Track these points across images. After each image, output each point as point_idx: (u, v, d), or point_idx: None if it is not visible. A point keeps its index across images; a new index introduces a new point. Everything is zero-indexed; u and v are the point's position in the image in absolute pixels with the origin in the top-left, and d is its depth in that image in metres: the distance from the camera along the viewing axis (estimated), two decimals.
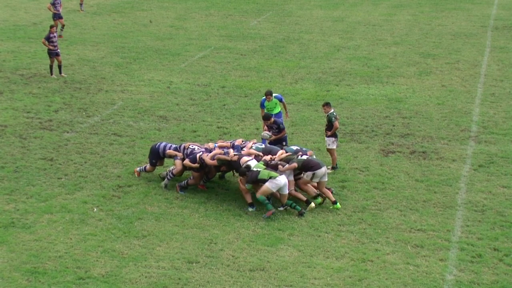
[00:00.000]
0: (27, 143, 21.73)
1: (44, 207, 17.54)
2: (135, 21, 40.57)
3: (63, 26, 35.65)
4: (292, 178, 17.80)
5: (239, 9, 45.20)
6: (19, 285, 14.27)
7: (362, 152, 21.44)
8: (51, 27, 29.16)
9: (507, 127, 23.60)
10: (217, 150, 18.32)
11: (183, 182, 18.50)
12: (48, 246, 15.67)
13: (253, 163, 17.56)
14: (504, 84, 28.64)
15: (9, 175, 19.41)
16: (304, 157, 17.92)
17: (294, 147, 18.78)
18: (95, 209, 17.48)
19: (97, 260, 15.17)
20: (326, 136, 20.00)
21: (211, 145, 18.97)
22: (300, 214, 17.19)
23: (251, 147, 18.70)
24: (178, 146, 19.08)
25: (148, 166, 19.25)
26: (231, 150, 18.19)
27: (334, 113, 19.99)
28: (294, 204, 17.39)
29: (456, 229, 16.72)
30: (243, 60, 32.12)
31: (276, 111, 21.28)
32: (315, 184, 17.89)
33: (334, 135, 19.90)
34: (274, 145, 19.49)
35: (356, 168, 20.17)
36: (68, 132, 22.78)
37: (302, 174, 17.86)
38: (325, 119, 20.23)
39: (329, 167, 19.38)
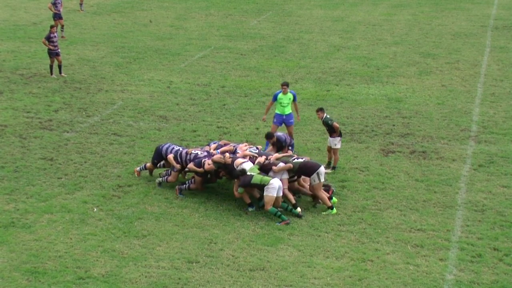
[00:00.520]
0: (27, 143, 21.73)
1: (44, 207, 17.54)
2: (135, 21, 40.57)
3: (62, 26, 35.65)
4: (286, 176, 17.61)
5: (239, 9, 45.20)
6: (19, 285, 14.27)
7: (362, 152, 21.45)
8: (51, 27, 29.16)
9: (507, 127, 23.61)
10: (218, 156, 18.01)
11: (183, 186, 18.42)
12: (48, 246, 15.67)
13: (247, 166, 17.38)
14: (504, 84, 28.64)
15: (9, 175, 19.41)
16: (301, 160, 17.75)
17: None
18: (95, 209, 17.48)
19: (97, 260, 15.16)
20: (330, 136, 19.94)
21: (213, 147, 18.72)
22: (300, 217, 17.13)
23: (246, 150, 18.47)
24: (181, 149, 18.75)
25: (148, 164, 19.22)
26: (227, 154, 17.98)
27: (328, 116, 20.04)
28: (290, 207, 17.25)
29: (456, 229, 16.72)
30: (243, 60, 32.12)
31: (287, 111, 21.02)
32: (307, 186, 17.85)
33: (339, 135, 19.91)
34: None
35: (356, 168, 20.17)
36: (68, 132, 22.78)
37: (313, 180, 17.44)
38: (322, 124, 20.19)
39: (325, 165, 19.24)
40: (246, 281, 14.47)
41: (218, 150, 18.48)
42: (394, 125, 23.76)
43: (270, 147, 19.40)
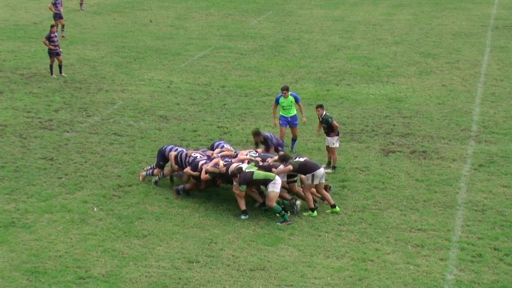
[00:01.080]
0: (27, 143, 21.73)
1: (44, 206, 17.54)
2: (135, 21, 40.57)
3: (63, 26, 35.65)
4: (284, 178, 17.52)
5: (239, 9, 45.19)
6: (19, 285, 14.27)
7: (362, 151, 21.44)
8: (52, 26, 29.17)
9: (507, 127, 23.60)
10: (217, 160, 17.75)
11: (180, 186, 18.33)
12: (48, 246, 15.67)
13: (244, 165, 17.26)
14: (504, 84, 28.63)
15: (9, 174, 19.41)
16: (301, 159, 17.65)
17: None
18: (95, 209, 17.48)
19: (97, 260, 15.16)
20: (328, 136, 19.95)
21: (216, 152, 18.40)
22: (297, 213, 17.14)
23: (246, 155, 18.23)
24: (185, 150, 18.58)
25: (156, 170, 18.88)
26: (221, 162, 17.56)
27: (328, 114, 20.10)
28: (283, 212, 16.90)
29: (456, 228, 16.72)
30: (243, 60, 32.11)
31: (292, 112, 21.00)
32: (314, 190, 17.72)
33: (336, 134, 19.94)
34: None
35: (357, 168, 20.17)
36: (68, 132, 22.78)
37: (307, 179, 17.44)
38: (321, 121, 20.10)
39: (324, 165, 19.11)
40: (246, 281, 14.47)
41: (219, 154, 18.18)
42: (394, 125, 23.75)
43: (260, 149, 19.21)
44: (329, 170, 19.58)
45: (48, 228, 16.46)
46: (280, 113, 21.22)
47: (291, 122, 21.14)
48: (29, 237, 16.05)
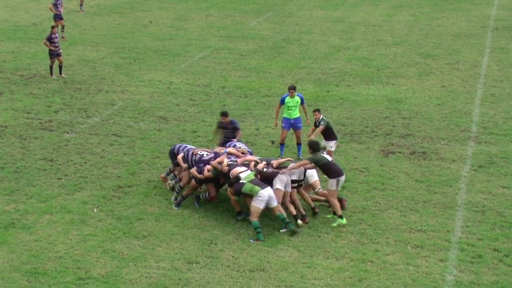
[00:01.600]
0: (27, 144, 21.73)
1: (44, 207, 17.54)
2: (135, 22, 40.58)
3: (63, 27, 35.67)
4: (289, 189, 16.79)
5: (239, 10, 45.21)
6: (19, 286, 14.27)
7: (362, 152, 21.45)
8: (52, 27, 29.18)
9: (507, 128, 23.61)
10: (223, 157, 17.34)
11: (201, 195, 17.71)
12: (48, 247, 15.67)
13: (244, 175, 16.60)
14: (504, 85, 28.65)
15: (9, 175, 19.41)
16: (329, 157, 16.97)
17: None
18: (95, 210, 17.48)
19: (97, 261, 15.17)
20: (325, 139, 19.74)
21: (222, 151, 17.90)
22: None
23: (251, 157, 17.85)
24: (189, 149, 18.25)
25: (176, 171, 18.54)
26: (225, 160, 17.10)
27: (324, 118, 19.74)
28: (287, 220, 16.40)
29: (456, 229, 16.73)
30: (243, 61, 32.12)
31: (295, 114, 20.60)
32: (313, 196, 17.37)
33: (334, 138, 19.71)
34: (224, 144, 18.94)
35: (356, 169, 20.17)
36: (68, 133, 22.79)
37: (331, 184, 16.76)
38: (316, 126, 19.80)
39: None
40: (246, 282, 14.48)
41: (226, 150, 17.79)
42: (394, 126, 23.76)
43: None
44: None
45: (48, 229, 16.46)
46: (284, 115, 20.76)
47: (294, 125, 20.70)
48: (29, 238, 16.05)
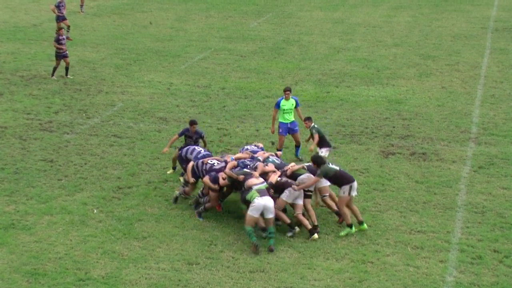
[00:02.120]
0: (27, 145, 21.73)
1: (44, 208, 17.54)
2: (135, 23, 40.58)
3: (68, 27, 35.53)
4: (301, 202, 16.36)
5: (239, 11, 45.21)
6: (19, 287, 14.27)
7: (362, 153, 21.45)
8: (59, 29, 29.25)
9: (507, 129, 23.61)
10: (233, 163, 17.09)
11: (200, 208, 17.28)
12: (48, 248, 15.67)
13: (258, 186, 16.03)
14: (504, 86, 28.65)
15: (9, 176, 19.41)
16: (336, 167, 16.44)
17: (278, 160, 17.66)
18: (95, 211, 17.48)
19: (97, 262, 15.17)
20: (319, 147, 19.42)
21: (237, 156, 17.60)
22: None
23: (268, 157, 17.50)
24: (202, 151, 17.89)
25: (187, 188, 17.97)
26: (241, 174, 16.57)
27: (316, 126, 19.56)
28: (272, 234, 15.80)
29: (456, 230, 16.73)
30: (243, 62, 32.13)
31: (291, 118, 20.34)
32: (328, 201, 16.88)
33: (326, 145, 19.61)
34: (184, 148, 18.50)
35: (356, 170, 20.17)
36: (68, 134, 22.79)
37: (343, 191, 16.30)
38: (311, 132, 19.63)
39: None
40: (246, 283, 14.48)
41: (233, 157, 17.45)
42: (394, 127, 23.76)
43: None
44: None
45: (48, 230, 16.46)
46: (280, 120, 20.48)
47: (291, 129, 20.47)
48: (29, 239, 16.05)
